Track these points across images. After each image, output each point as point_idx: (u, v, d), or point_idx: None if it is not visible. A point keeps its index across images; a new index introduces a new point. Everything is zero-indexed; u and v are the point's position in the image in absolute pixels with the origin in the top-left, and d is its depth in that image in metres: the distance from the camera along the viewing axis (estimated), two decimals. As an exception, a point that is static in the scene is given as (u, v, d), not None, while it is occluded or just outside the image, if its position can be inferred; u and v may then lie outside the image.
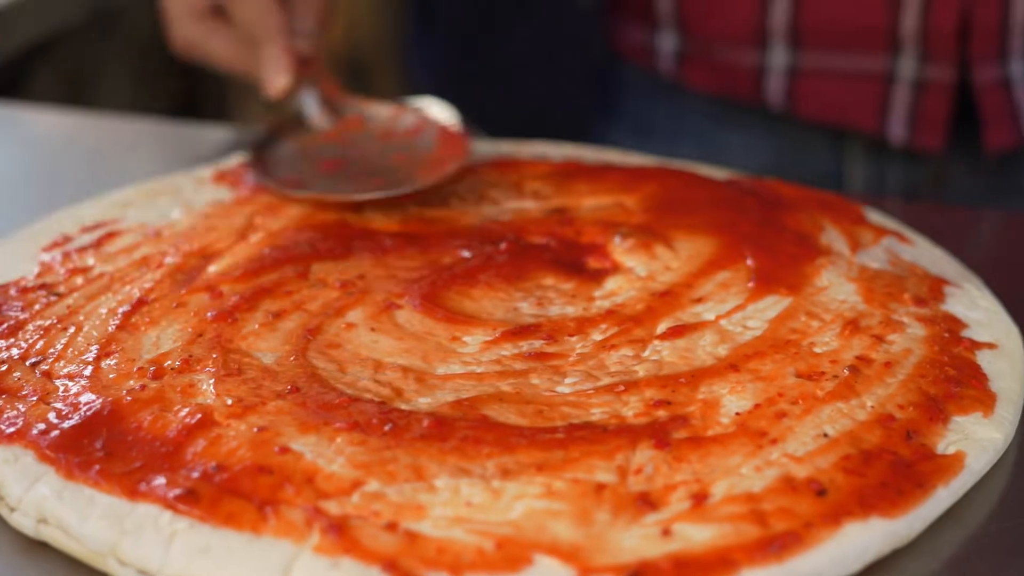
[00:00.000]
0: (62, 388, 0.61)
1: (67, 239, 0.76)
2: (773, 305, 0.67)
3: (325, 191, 0.80)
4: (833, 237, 0.75)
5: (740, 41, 1.00)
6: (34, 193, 0.97)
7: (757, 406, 0.59)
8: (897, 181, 1.03)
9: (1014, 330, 0.68)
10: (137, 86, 2.18)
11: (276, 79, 0.89)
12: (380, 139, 0.89)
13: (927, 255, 0.75)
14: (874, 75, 0.98)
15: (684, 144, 1.03)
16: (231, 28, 0.93)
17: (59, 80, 1.84)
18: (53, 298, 0.69)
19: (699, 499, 0.53)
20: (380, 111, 0.92)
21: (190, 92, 2.47)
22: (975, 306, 0.69)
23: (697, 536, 0.52)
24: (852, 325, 0.65)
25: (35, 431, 0.58)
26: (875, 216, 0.79)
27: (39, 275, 0.72)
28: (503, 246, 0.73)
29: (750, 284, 0.69)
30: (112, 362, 0.63)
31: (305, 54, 0.92)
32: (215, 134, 1.11)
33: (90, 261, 0.73)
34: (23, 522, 0.56)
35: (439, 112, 0.90)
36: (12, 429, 0.58)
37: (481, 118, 1.17)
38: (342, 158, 0.86)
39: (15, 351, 0.64)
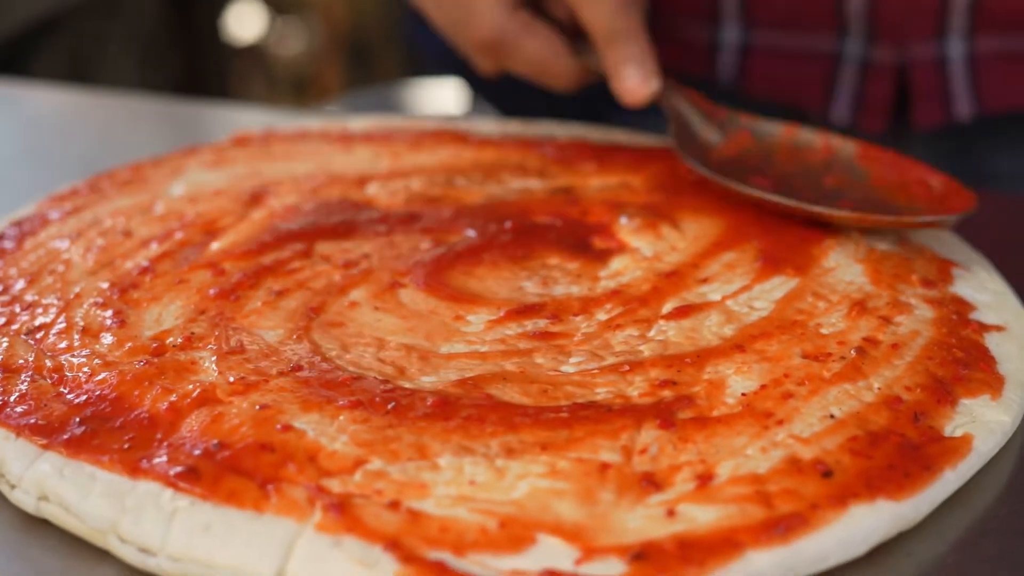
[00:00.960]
0: (64, 364, 0.61)
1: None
2: (780, 286, 0.67)
3: (809, 204, 0.72)
4: None
5: (694, 17, 0.99)
6: (35, 171, 0.97)
7: (763, 387, 0.58)
8: None
9: (1022, 312, 0.68)
10: (139, 65, 2.18)
11: (646, 83, 0.81)
12: (791, 159, 0.80)
13: (935, 237, 0.75)
14: (821, 55, 0.97)
15: (647, 120, 1.02)
16: (548, 24, 0.85)
17: (61, 59, 1.84)
18: (59, 268, 0.69)
19: (704, 480, 0.53)
20: (768, 127, 0.82)
21: (192, 71, 2.47)
22: (983, 288, 0.69)
23: (702, 517, 0.51)
24: (859, 306, 0.65)
25: (36, 408, 0.58)
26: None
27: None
28: (508, 225, 0.73)
29: (756, 264, 0.68)
30: (113, 338, 0.62)
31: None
32: (217, 112, 1.10)
33: (91, 235, 0.73)
34: (24, 499, 0.56)
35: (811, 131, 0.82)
36: (19, 409, 0.58)
37: (490, 96, 1.17)
38: (766, 177, 0.77)
39: (14, 325, 0.64)
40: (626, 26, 0.81)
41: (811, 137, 0.79)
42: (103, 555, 0.54)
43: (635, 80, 0.80)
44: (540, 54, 0.84)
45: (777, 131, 0.81)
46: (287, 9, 3.08)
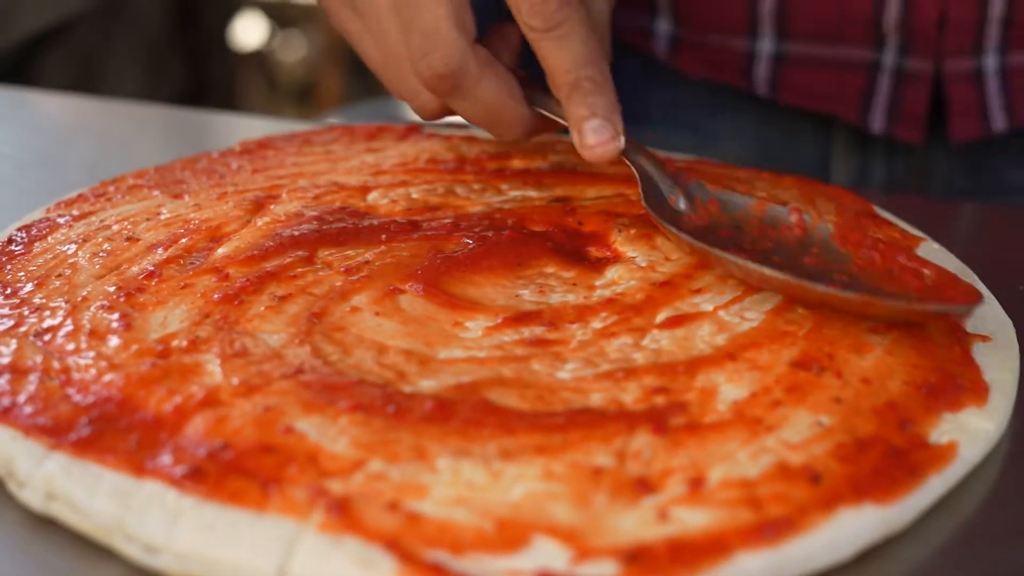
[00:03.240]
0: (71, 366, 0.62)
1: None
2: (770, 297, 0.68)
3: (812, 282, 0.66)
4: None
5: (731, 28, 1.01)
6: (42, 177, 0.98)
7: (753, 394, 0.60)
8: (880, 173, 1.04)
9: (1008, 323, 0.69)
10: (145, 74, 2.19)
11: (613, 142, 0.74)
12: (764, 235, 0.74)
13: (925, 250, 0.76)
14: (857, 65, 0.99)
15: (679, 132, 1.04)
16: (505, 63, 0.80)
17: (67, 67, 1.85)
18: (67, 271, 0.70)
19: (695, 484, 0.54)
20: (737, 198, 0.76)
21: (197, 80, 2.48)
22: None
23: (693, 520, 0.53)
24: None
25: (45, 409, 0.59)
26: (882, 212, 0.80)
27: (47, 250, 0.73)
28: (506, 233, 0.74)
29: None
30: (119, 341, 0.64)
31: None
32: (221, 121, 1.11)
33: (98, 240, 0.74)
34: (32, 498, 0.57)
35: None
36: (27, 410, 0.59)
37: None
38: (741, 252, 0.70)
39: (22, 327, 0.65)
40: (594, 75, 0.75)
41: (783, 213, 0.74)
42: (109, 554, 0.55)
43: (601, 137, 0.74)
44: (497, 97, 0.77)
45: (747, 203, 0.75)
46: (289, 22, 3.10)
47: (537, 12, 0.73)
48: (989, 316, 0.69)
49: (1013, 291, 0.75)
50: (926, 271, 0.68)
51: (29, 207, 0.81)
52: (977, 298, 0.65)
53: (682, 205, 0.74)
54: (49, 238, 0.75)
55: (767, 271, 0.66)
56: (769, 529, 0.52)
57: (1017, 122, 0.98)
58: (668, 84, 1.07)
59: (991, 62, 0.97)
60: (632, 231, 0.75)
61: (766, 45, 1.00)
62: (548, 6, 0.73)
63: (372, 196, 0.80)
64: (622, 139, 0.75)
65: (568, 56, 0.74)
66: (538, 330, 0.65)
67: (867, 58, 0.98)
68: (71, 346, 0.64)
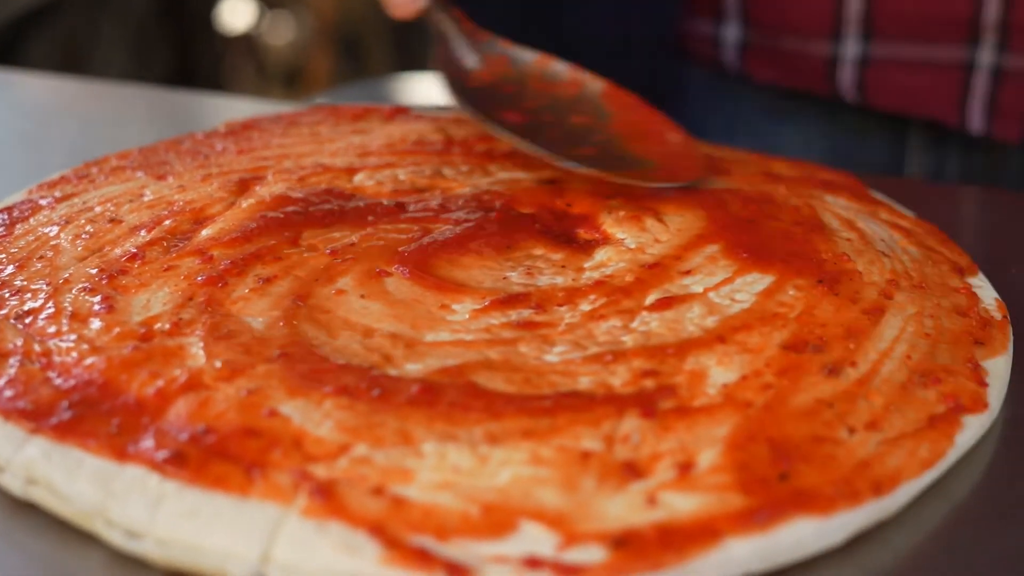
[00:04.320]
0: (52, 349, 0.61)
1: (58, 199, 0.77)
2: (761, 279, 0.67)
3: (554, 154, 0.75)
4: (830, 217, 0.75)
5: (812, 31, 0.99)
6: (25, 158, 0.97)
7: (744, 377, 0.59)
8: (954, 170, 1.03)
9: (1001, 306, 0.68)
10: (131, 56, 2.18)
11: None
12: (543, 91, 0.81)
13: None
14: (951, 65, 0.98)
15: (736, 139, 1.03)
16: None
17: (53, 49, 1.84)
18: (48, 253, 0.70)
19: (685, 468, 0.54)
20: (523, 54, 0.83)
21: (184, 64, 2.47)
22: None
23: (682, 505, 0.52)
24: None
25: (25, 393, 0.58)
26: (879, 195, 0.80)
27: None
28: (494, 215, 0.74)
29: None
30: (101, 323, 0.63)
31: None
32: (207, 102, 1.11)
33: (81, 221, 0.73)
34: (12, 483, 0.56)
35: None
36: (7, 393, 0.59)
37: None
38: (518, 110, 0.78)
39: (3, 309, 0.65)
40: None
41: (562, 69, 0.79)
42: (90, 539, 0.54)
43: None
44: None
45: (532, 59, 0.81)
46: (277, 3, 3.08)
47: None
48: (986, 300, 0.68)
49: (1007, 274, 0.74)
50: (671, 137, 0.74)
51: (10, 189, 0.80)
52: (697, 174, 0.73)
53: (471, 61, 0.79)
54: (31, 220, 0.74)
55: (516, 141, 0.74)
56: (759, 515, 0.52)
57: None
58: (731, 94, 1.06)
59: None
60: (621, 213, 0.74)
61: (850, 48, 0.99)
62: None
63: (358, 178, 0.79)
64: None
65: None
66: (526, 313, 0.65)
67: (962, 57, 0.97)
68: (52, 328, 0.63)
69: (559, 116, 0.76)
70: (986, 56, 0.96)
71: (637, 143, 0.76)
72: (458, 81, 0.78)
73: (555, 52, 0.83)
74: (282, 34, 3.11)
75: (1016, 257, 0.78)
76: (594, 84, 0.79)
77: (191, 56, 2.50)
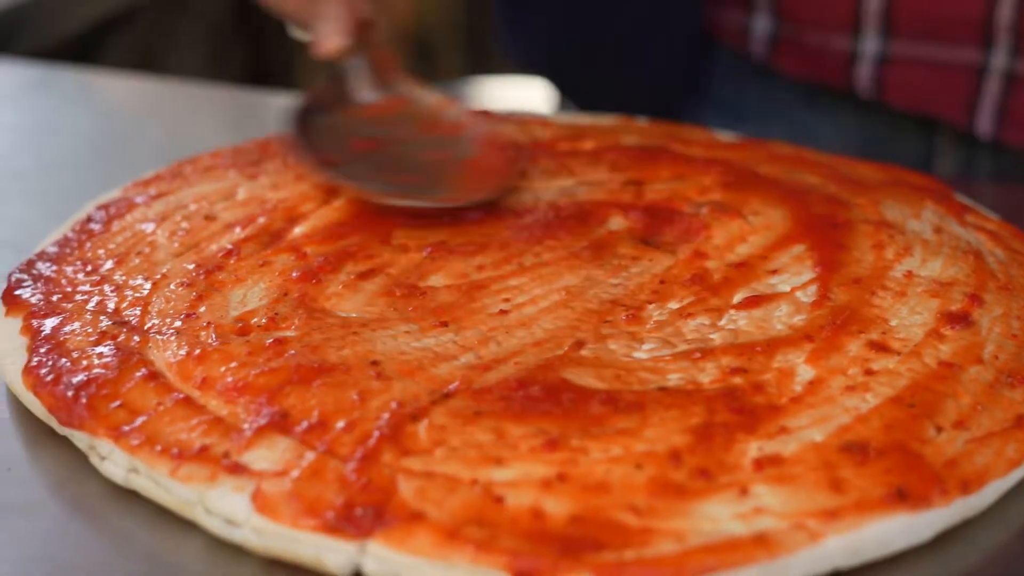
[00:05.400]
0: (152, 344, 0.63)
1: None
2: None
3: (354, 182, 0.77)
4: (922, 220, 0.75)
5: (833, 26, 1.00)
6: (113, 157, 0.99)
7: (831, 373, 0.60)
8: (986, 168, 1.03)
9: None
10: (207, 59, 2.21)
11: (331, 38, 0.86)
12: (421, 128, 0.85)
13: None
14: (965, 66, 0.98)
15: (774, 128, 1.03)
16: None
17: (131, 53, 1.87)
18: (145, 249, 0.71)
19: (774, 464, 0.54)
20: (428, 97, 0.88)
21: (258, 65, 2.50)
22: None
23: (772, 501, 0.53)
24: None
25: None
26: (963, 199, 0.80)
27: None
28: (581, 215, 0.75)
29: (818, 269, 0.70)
30: (200, 319, 0.64)
31: (365, 17, 0.88)
32: (283, 102, 1.12)
33: (176, 218, 0.75)
34: (114, 471, 0.58)
35: (487, 113, 0.89)
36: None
37: (576, 95, 1.18)
38: (377, 139, 0.83)
39: (110, 303, 0.66)
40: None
41: (455, 113, 0.86)
42: (189, 526, 0.56)
43: (325, 31, 0.85)
44: (292, 5, 0.88)
45: (432, 101, 0.88)
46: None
47: None
48: None
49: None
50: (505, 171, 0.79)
51: (101, 187, 0.82)
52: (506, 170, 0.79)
53: (367, 98, 0.86)
54: (127, 216, 0.76)
55: (334, 176, 0.77)
56: (847, 511, 0.52)
57: None
58: (765, 81, 1.07)
59: None
60: (706, 212, 0.75)
61: (869, 44, 1.00)
62: None
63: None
64: (345, 40, 0.85)
65: None
66: (615, 310, 0.65)
67: (975, 60, 0.98)
68: (150, 321, 0.64)
69: (413, 150, 0.82)
70: (999, 60, 0.97)
71: (459, 177, 0.80)
72: (317, 108, 0.85)
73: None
74: (354, 37, 3.15)
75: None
76: (478, 129, 0.84)
77: (265, 58, 2.52)
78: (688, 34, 1.08)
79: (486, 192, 0.77)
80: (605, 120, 0.92)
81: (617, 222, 0.75)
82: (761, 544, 0.51)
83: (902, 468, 0.55)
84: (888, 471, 0.54)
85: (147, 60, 1.92)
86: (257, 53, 2.51)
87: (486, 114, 0.89)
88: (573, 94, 1.17)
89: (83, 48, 1.72)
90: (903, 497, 0.53)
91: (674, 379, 0.60)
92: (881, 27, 0.98)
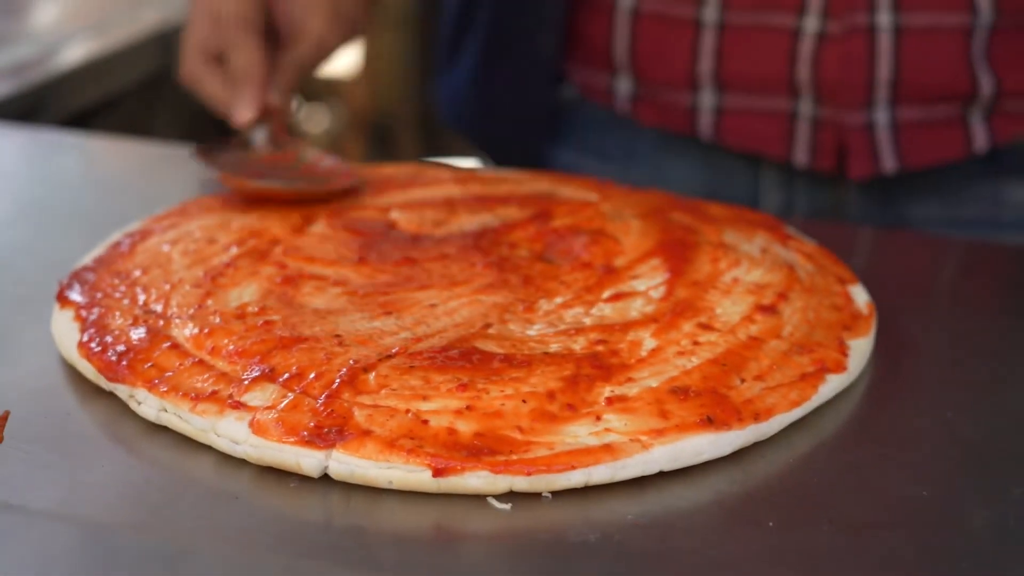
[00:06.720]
0: (174, 326, 0.84)
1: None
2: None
3: (256, 180, 1.07)
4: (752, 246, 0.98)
5: (679, 86, 1.23)
6: (111, 205, 1.21)
7: (668, 343, 0.82)
8: (803, 205, 1.26)
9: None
10: (184, 137, 2.40)
11: (244, 112, 1.15)
12: (303, 169, 1.14)
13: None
14: (781, 113, 1.20)
15: (636, 168, 1.26)
16: (224, 73, 1.18)
17: (120, 124, 2.06)
18: (164, 263, 0.93)
19: (622, 400, 0.76)
20: (310, 152, 1.18)
21: (226, 130, 2.69)
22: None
23: (617, 423, 0.74)
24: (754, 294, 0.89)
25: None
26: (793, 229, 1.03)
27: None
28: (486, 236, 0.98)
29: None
30: (208, 309, 0.86)
31: (272, 104, 1.17)
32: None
33: (187, 242, 0.97)
34: (148, 411, 0.78)
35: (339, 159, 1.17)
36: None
37: (483, 148, 1.42)
38: (267, 172, 1.11)
39: (140, 299, 0.88)
40: (250, 73, 1.16)
41: (328, 164, 1.16)
42: (203, 449, 0.76)
43: (240, 107, 1.16)
44: (215, 91, 1.20)
45: (313, 154, 1.18)
46: (314, 96, 3.33)
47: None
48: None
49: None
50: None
51: (123, 222, 1.03)
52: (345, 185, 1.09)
53: (260, 149, 1.17)
54: (148, 241, 0.97)
55: (224, 172, 1.10)
56: (670, 430, 0.74)
57: (905, 164, 1.20)
58: (628, 131, 1.30)
59: (882, 115, 1.18)
60: (586, 239, 0.97)
61: (706, 99, 1.23)
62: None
63: (393, 213, 1.03)
64: (247, 113, 1.16)
65: (240, 64, 1.17)
66: (515, 304, 0.88)
67: (788, 107, 1.21)
68: (170, 311, 0.86)
69: (296, 173, 1.13)
70: (805, 107, 1.20)
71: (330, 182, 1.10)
72: (223, 148, 1.17)
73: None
74: (318, 123, 3.37)
75: (892, 273, 1.03)
76: (341, 167, 1.14)
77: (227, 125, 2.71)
78: (546, 101, 1.34)
79: (344, 185, 1.08)
80: (514, 173, 1.15)
81: (522, 245, 0.97)
82: (607, 451, 0.73)
83: (712, 403, 0.77)
84: (702, 405, 0.76)
85: (135, 128, 2.12)
86: (231, 138, 2.70)
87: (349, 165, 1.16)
88: (480, 147, 1.43)
89: (75, 126, 1.92)
90: (711, 422, 0.75)
91: (554, 347, 0.81)
92: (714, 85, 1.22)
